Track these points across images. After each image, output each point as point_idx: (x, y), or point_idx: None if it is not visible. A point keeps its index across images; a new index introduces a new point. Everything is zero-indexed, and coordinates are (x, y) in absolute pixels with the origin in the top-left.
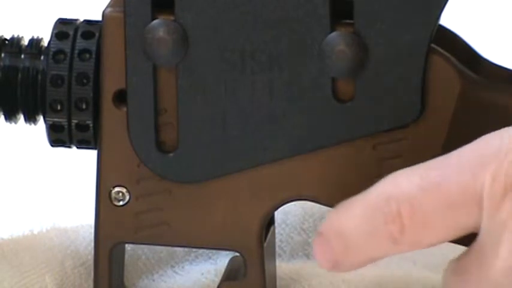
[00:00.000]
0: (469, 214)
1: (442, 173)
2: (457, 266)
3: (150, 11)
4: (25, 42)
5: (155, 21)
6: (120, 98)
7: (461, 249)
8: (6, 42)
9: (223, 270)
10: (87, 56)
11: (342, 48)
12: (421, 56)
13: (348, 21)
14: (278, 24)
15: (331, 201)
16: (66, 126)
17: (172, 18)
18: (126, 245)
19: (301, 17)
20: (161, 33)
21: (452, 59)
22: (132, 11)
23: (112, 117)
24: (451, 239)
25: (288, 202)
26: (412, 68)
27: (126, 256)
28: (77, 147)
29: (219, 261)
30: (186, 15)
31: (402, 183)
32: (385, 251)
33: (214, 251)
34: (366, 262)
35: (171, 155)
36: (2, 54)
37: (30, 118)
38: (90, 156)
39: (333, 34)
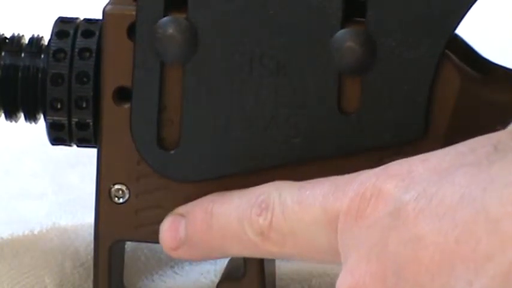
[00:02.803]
0: (327, 233)
1: (313, 192)
2: None
3: (162, 8)
4: (25, 40)
5: (166, 18)
6: (121, 95)
7: None
8: (7, 40)
9: (222, 270)
10: (87, 54)
11: (351, 44)
12: (429, 72)
13: (358, 19)
14: (289, 29)
15: None
16: (66, 125)
17: (184, 16)
18: (126, 246)
19: (313, 20)
20: (171, 30)
21: (452, 56)
22: (145, 6)
23: (112, 114)
24: (315, 255)
25: None
26: (419, 82)
27: (126, 257)
28: (77, 146)
29: (219, 262)
30: (198, 14)
31: (283, 191)
32: (249, 242)
33: None
34: (220, 252)
35: (172, 152)
36: (3, 53)
37: (31, 116)
38: (90, 155)
39: (343, 31)
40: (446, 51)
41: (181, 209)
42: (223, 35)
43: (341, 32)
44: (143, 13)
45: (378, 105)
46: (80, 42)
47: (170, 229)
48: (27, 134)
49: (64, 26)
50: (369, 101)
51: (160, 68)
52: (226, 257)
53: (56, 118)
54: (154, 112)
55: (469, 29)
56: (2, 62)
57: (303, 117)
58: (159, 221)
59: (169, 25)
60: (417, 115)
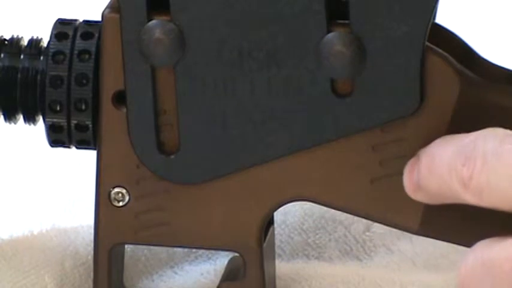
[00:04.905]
0: None
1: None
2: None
3: (145, 12)
4: (24, 42)
5: (151, 22)
6: (120, 98)
7: (461, 249)
8: (6, 42)
9: (222, 270)
10: (87, 56)
11: (340, 48)
12: (418, 46)
13: (343, 21)
14: (274, 22)
15: (331, 202)
16: (65, 127)
17: (168, 18)
18: (126, 246)
19: (297, 14)
20: (158, 33)
21: (451, 59)
22: (128, 13)
23: (111, 118)
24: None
25: (287, 202)
26: (410, 59)
27: (126, 257)
28: (77, 148)
29: (219, 262)
30: (182, 15)
31: (488, 142)
32: (454, 190)
33: (213, 252)
34: (438, 197)
35: (173, 156)
36: (2, 55)
37: (30, 118)
38: (90, 156)
39: (330, 35)
40: (446, 54)
41: (420, 151)
42: (209, 33)
43: (329, 36)
44: (127, 20)
45: (371, 90)
46: (79, 44)
47: (409, 171)
48: (27, 134)
49: (63, 28)
50: (362, 88)
51: (152, 72)
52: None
53: (55, 120)
54: (151, 117)
55: (469, 29)
56: (1, 64)
57: (299, 105)
58: (159, 223)
59: (154, 29)
60: (411, 93)
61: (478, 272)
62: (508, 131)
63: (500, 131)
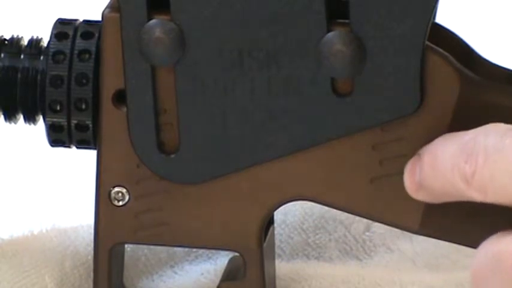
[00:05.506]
0: None
1: None
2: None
3: (146, 12)
4: (25, 42)
5: (151, 22)
6: (120, 98)
7: (461, 249)
8: (6, 42)
9: (222, 270)
10: (87, 56)
11: (340, 48)
12: (418, 46)
13: (343, 20)
14: (274, 22)
15: (331, 201)
16: (65, 127)
17: (168, 18)
18: (126, 246)
19: (297, 14)
20: (158, 33)
21: (452, 58)
22: (128, 12)
23: (112, 117)
24: None
25: (287, 202)
26: (410, 58)
27: (126, 257)
28: (77, 147)
29: (219, 262)
30: (182, 14)
31: (489, 137)
32: (457, 188)
33: (213, 251)
34: (441, 195)
35: (173, 156)
36: (2, 55)
37: (30, 118)
38: (90, 156)
39: (330, 34)
40: (446, 53)
41: (421, 149)
42: (209, 33)
43: (329, 35)
44: (127, 19)
45: (371, 90)
46: (79, 43)
47: (410, 170)
48: (27, 134)
49: (63, 28)
50: (363, 87)
51: (152, 72)
52: (450, 200)
53: (55, 120)
54: (151, 116)
55: (469, 29)
56: (1, 64)
57: (299, 105)
58: (159, 223)
59: (155, 28)
60: (411, 92)
61: (487, 266)
62: (509, 126)
63: (501, 126)
